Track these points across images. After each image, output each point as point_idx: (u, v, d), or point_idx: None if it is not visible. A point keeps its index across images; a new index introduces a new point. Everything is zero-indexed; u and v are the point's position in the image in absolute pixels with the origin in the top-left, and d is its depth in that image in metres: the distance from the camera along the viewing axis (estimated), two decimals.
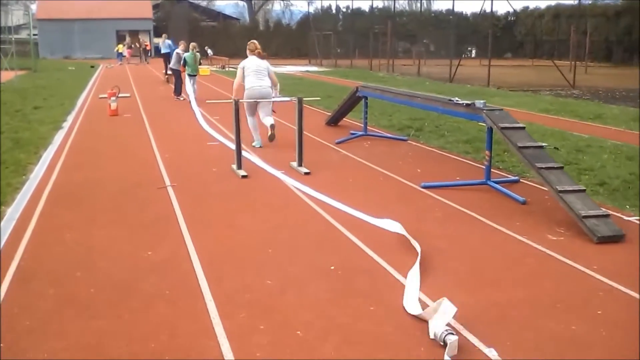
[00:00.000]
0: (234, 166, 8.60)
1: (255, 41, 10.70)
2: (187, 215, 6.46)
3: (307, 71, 37.80)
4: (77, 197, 7.24)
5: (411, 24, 61.26)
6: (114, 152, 10.16)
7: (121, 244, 5.60)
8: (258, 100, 10.09)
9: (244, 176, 8.25)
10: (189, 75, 17.91)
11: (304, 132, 9.09)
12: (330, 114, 13.21)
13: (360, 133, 11.29)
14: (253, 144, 10.60)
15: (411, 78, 30.89)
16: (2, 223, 6.32)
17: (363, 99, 11.24)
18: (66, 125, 13.33)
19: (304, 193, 7.35)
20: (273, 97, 10.21)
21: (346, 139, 11.03)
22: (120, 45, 46.95)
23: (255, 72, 10.15)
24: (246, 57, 10.40)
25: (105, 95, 15.83)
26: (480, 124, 8.61)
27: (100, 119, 14.32)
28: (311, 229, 6.04)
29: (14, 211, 6.73)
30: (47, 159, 9.60)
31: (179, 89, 18.74)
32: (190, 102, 17.06)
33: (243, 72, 10.20)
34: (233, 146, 9.94)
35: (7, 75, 25.72)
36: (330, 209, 6.62)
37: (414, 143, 11.07)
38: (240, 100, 9.02)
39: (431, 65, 40.22)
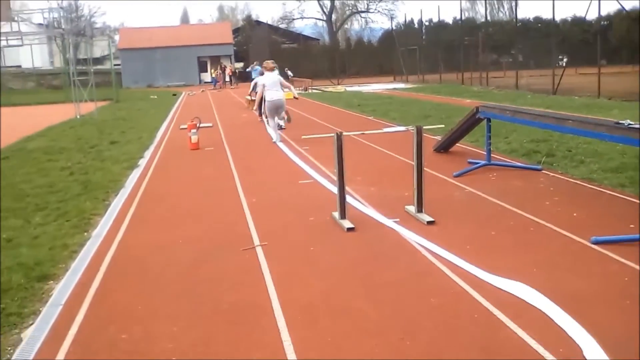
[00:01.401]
0: (336, 215, 6.87)
1: (269, 60, 14.10)
2: (284, 298, 4.74)
3: (395, 89, 35.98)
4: (143, 269, 5.65)
5: (497, 34, 58.51)
6: (193, 198, 8.64)
7: (194, 349, 3.93)
8: (278, 107, 13.53)
9: (349, 229, 6.49)
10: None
11: (408, 160, 7.32)
12: (439, 138, 11.33)
13: (483, 162, 9.35)
14: (274, 141, 13.59)
15: (509, 91, 28.55)
16: (44, 309, 4.83)
17: (485, 121, 9.29)
18: (142, 162, 12.01)
19: (434, 255, 5.52)
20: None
21: (466, 171, 9.12)
22: (213, 71, 46.60)
23: (273, 85, 13.42)
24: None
25: (186, 126, 14.53)
26: None
27: (179, 154, 12.95)
28: (464, 324, 4.18)
29: (63, 290, 5.22)
30: (116, 208, 8.17)
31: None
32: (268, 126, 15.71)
33: (264, 88, 13.66)
34: (330, 185, 8.34)
35: (88, 107, 25.11)
36: (483, 285, 4.76)
37: (550, 173, 9.03)
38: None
39: (524, 76, 37.70)
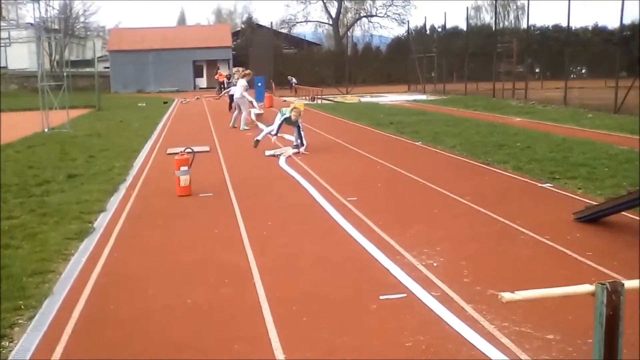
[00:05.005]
0: None
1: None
2: None
3: (416, 100, 31.60)
4: None
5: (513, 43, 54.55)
6: (176, 331, 4.25)
7: None
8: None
9: None
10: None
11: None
12: (587, 203, 7.01)
13: None
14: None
15: (558, 107, 24.20)
16: None
17: None
18: (102, 222, 7.64)
19: None
20: None
21: None
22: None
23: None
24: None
25: (176, 152, 10.23)
26: None
27: (161, 205, 8.57)
28: None
29: None
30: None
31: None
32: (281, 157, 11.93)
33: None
34: (448, 314, 4.08)
35: (60, 117, 20.44)
36: None
37: None
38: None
39: (550, 88, 33.61)
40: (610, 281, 2.28)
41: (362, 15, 66.83)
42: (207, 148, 13.84)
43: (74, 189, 9.73)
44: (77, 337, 4.36)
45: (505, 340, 4.04)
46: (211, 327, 4.41)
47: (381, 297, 4.84)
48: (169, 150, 13.32)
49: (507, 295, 2.36)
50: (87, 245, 6.62)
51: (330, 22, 66.39)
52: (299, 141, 13.03)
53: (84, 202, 8.67)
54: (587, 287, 2.33)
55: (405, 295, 4.89)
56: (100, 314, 4.75)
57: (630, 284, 2.34)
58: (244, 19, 70.65)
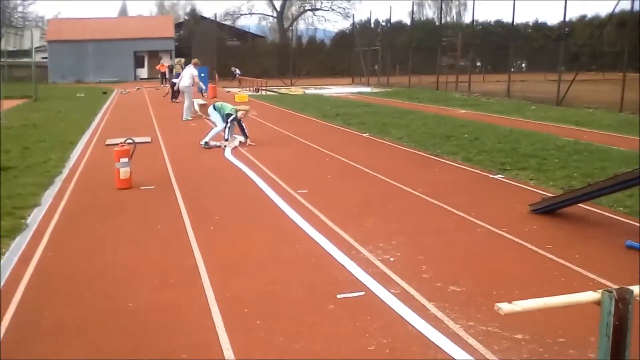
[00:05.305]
0: None
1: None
2: None
3: (361, 93, 31.46)
4: None
5: (455, 37, 55.13)
6: (121, 325, 3.89)
7: None
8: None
9: None
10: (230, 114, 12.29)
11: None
12: (540, 194, 6.89)
13: None
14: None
15: (501, 100, 24.41)
16: None
17: None
18: (37, 217, 7.13)
19: None
20: None
21: None
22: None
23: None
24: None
25: (115, 143, 9.66)
26: None
27: (100, 197, 8.10)
28: None
29: None
30: None
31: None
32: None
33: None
34: (409, 312, 3.84)
35: None
36: None
37: None
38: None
39: (491, 81, 33.92)
40: (618, 288, 2.04)
41: (306, 8, 66.43)
42: (148, 139, 13.31)
43: (7, 182, 9.11)
44: (7, 348, 3.93)
45: (472, 341, 3.81)
46: (156, 334, 4.05)
47: (339, 296, 4.56)
48: (108, 141, 12.75)
49: (505, 307, 2.10)
50: (19, 244, 6.12)
51: (275, 15, 65.77)
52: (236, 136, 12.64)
53: (17, 196, 8.11)
54: (592, 295, 2.08)
55: (363, 293, 4.62)
56: (33, 322, 4.32)
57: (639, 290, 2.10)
58: (188, 10, 69.29)
